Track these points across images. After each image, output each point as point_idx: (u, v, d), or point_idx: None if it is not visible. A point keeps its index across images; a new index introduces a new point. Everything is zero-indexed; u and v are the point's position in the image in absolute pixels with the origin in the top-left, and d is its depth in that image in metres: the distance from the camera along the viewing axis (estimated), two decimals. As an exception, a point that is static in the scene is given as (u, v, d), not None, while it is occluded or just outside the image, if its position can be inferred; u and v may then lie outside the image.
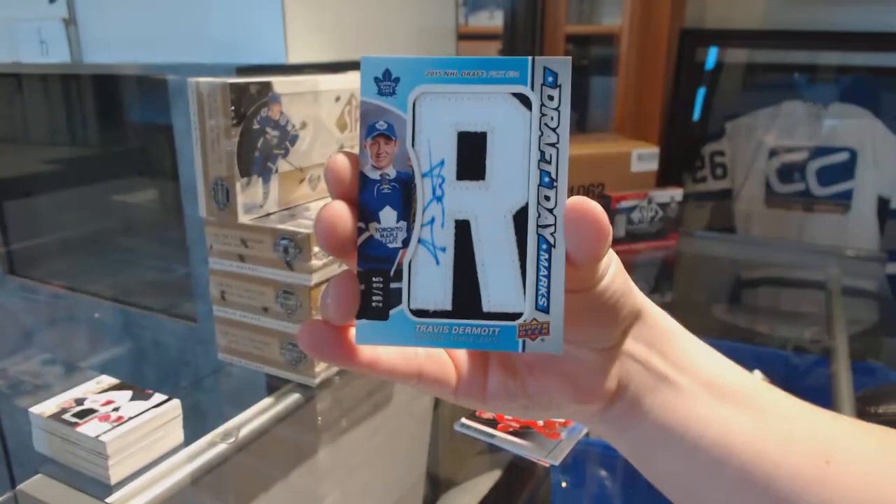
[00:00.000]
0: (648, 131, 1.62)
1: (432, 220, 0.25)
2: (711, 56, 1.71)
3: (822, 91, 1.61)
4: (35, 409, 0.66)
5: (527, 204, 0.24)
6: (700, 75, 1.72)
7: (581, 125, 1.87)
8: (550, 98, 0.24)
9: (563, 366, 0.29)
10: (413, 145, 0.24)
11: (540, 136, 0.24)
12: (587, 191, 1.26)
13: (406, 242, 0.25)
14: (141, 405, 0.66)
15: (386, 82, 0.24)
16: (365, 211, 0.24)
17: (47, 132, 1.33)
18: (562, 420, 0.69)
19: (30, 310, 1.22)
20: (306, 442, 0.75)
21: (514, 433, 0.68)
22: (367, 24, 0.96)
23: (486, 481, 0.67)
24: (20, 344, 1.23)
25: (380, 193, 0.24)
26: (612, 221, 1.33)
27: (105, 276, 1.24)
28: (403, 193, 0.24)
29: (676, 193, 1.27)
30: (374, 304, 0.25)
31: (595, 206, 0.24)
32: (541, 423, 0.69)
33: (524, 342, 0.25)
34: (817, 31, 1.58)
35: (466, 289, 0.25)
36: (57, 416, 0.64)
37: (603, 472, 0.72)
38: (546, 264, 0.25)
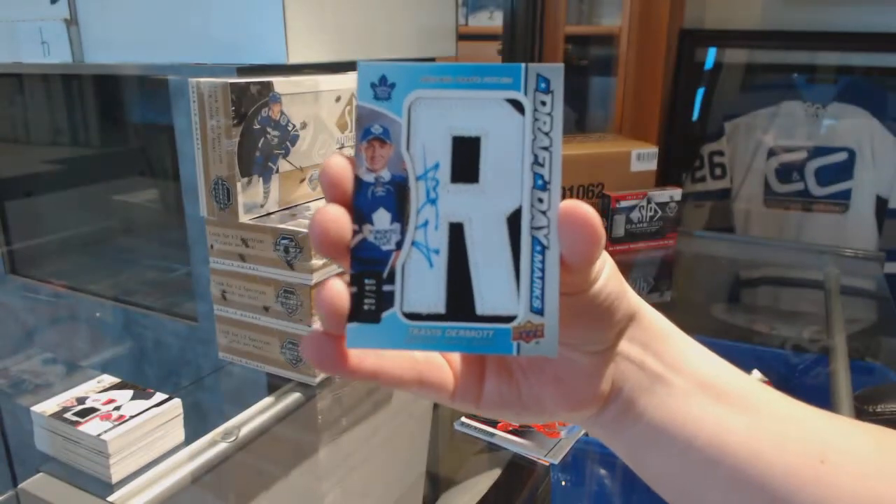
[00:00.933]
0: (648, 131, 1.62)
1: (426, 223, 0.25)
2: (710, 56, 1.72)
3: (820, 91, 1.62)
4: (37, 408, 0.66)
5: (520, 207, 0.25)
6: (699, 75, 1.73)
7: (581, 125, 1.87)
8: (543, 103, 0.24)
9: (556, 370, 0.30)
10: (408, 149, 0.24)
11: (533, 140, 0.24)
12: (587, 190, 1.26)
13: (399, 245, 0.25)
14: (142, 404, 0.67)
15: (382, 87, 0.24)
16: (359, 213, 0.24)
17: (49, 132, 1.33)
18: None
19: (31, 309, 1.22)
20: (306, 441, 0.75)
21: (514, 432, 0.68)
22: (367, 25, 0.96)
23: (486, 480, 0.68)
24: (21, 343, 1.23)
25: (374, 196, 0.24)
26: (611, 221, 1.33)
27: (106, 276, 1.24)
28: (398, 196, 0.25)
29: (675, 193, 1.28)
30: (366, 306, 0.24)
31: (588, 210, 0.24)
32: (540, 421, 0.69)
33: (519, 345, 0.25)
34: (816, 31, 1.58)
35: (460, 291, 0.25)
36: (58, 415, 0.65)
37: (602, 471, 0.72)
38: (540, 266, 0.25)
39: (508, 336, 0.25)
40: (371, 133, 0.24)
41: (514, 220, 0.25)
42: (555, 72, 0.24)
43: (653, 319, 0.31)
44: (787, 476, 0.28)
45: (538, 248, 0.25)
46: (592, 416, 0.31)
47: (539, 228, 0.25)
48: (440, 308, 0.25)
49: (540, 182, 0.25)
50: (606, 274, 0.28)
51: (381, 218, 0.24)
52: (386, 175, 0.25)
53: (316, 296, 0.25)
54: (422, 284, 0.25)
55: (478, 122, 0.25)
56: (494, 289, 0.25)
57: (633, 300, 0.30)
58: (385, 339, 0.25)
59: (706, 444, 0.30)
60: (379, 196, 0.24)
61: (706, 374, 0.31)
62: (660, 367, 0.31)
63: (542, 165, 0.24)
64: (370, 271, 0.24)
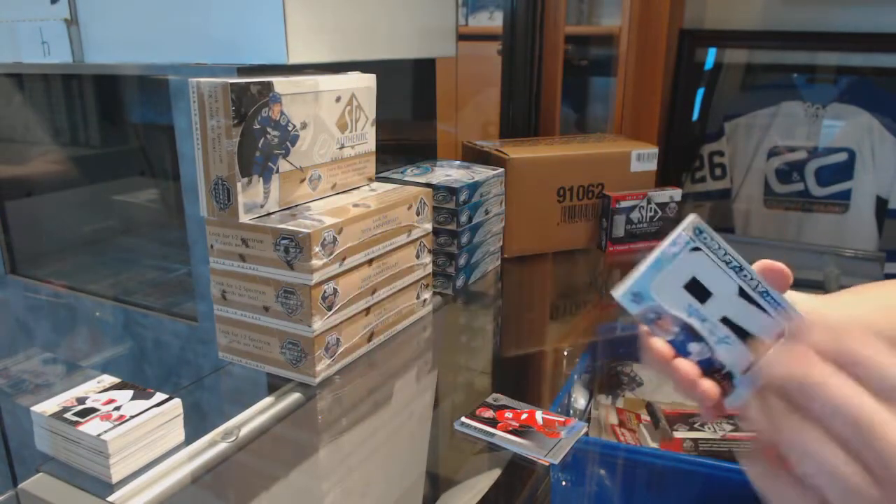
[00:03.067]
0: (647, 131, 1.62)
1: (711, 330, 0.39)
2: (710, 56, 1.72)
3: (820, 91, 1.62)
4: (37, 408, 0.66)
5: (739, 286, 0.39)
6: (699, 76, 1.73)
7: (581, 125, 1.88)
8: (709, 242, 0.40)
9: None
10: (672, 310, 0.39)
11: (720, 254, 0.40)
12: (587, 190, 1.26)
13: (712, 350, 0.39)
14: (142, 404, 0.66)
15: (636, 296, 0.39)
16: (683, 352, 0.40)
17: (49, 132, 1.33)
18: (562, 419, 0.69)
19: (31, 309, 1.22)
20: (307, 441, 0.75)
21: (514, 432, 0.68)
22: (367, 25, 0.96)
23: (486, 480, 0.68)
24: (22, 343, 1.23)
25: (678, 342, 0.40)
26: (611, 221, 1.32)
27: (106, 276, 1.24)
28: (689, 331, 0.39)
29: (675, 193, 1.28)
30: (724, 386, 0.40)
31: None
32: (540, 422, 0.69)
33: None
34: (816, 31, 1.58)
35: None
36: (58, 415, 0.65)
37: (602, 471, 0.72)
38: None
39: None
40: (650, 320, 0.40)
41: (742, 293, 0.39)
42: (699, 223, 0.39)
43: None
44: None
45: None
46: None
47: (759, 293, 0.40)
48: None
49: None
50: None
51: (693, 346, 0.40)
52: (675, 329, 0.40)
53: (691, 393, 0.40)
54: (731, 356, 0.39)
55: (688, 271, 0.39)
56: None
57: None
58: (741, 394, 0.39)
59: None
60: (680, 340, 0.40)
61: None
62: None
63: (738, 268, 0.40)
64: (711, 369, 0.40)
